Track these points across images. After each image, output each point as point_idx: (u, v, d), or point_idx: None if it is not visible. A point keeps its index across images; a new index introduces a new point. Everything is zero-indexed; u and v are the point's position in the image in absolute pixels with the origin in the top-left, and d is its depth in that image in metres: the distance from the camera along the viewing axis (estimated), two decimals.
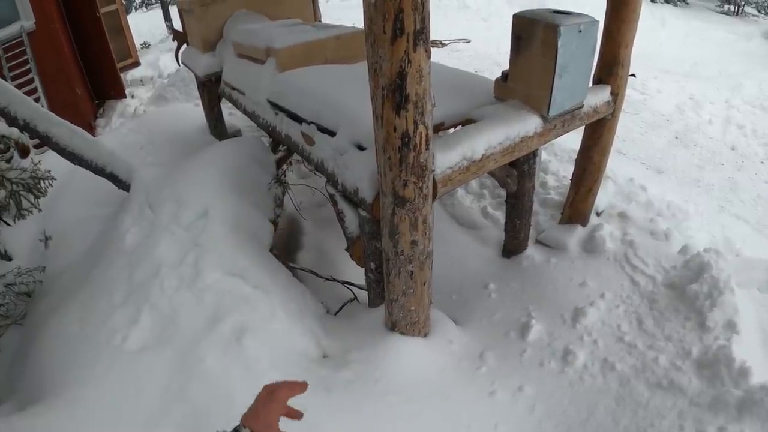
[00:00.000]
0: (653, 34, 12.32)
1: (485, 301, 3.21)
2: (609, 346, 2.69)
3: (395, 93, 1.79)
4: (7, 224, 3.80)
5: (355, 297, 3.06)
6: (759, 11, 20.78)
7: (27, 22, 6.23)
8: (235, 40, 4.12)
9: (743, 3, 20.77)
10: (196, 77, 4.99)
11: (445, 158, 2.12)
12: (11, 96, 3.31)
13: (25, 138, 3.51)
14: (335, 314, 2.88)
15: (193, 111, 6.17)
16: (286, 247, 3.57)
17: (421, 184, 1.98)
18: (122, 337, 2.25)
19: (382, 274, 2.45)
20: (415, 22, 1.69)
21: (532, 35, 2.35)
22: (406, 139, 1.87)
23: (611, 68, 2.95)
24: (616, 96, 3.01)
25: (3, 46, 5.98)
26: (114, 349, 2.20)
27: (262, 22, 4.39)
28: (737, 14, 20.54)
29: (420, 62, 1.76)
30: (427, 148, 1.93)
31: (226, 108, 5.35)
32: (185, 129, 5.64)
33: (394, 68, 1.75)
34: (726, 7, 21.17)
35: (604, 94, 2.94)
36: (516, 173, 3.11)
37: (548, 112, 2.43)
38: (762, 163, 6.00)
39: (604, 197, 3.92)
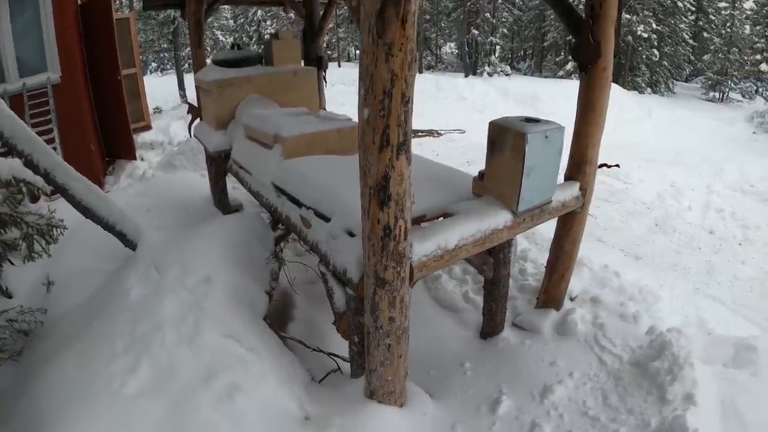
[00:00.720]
0: (640, 125, 13.10)
1: (460, 378, 3.44)
2: (574, 420, 2.93)
3: (380, 192, 2.17)
4: (12, 264, 4.05)
5: (339, 368, 3.30)
6: (743, 96, 22.05)
7: (53, 74, 6.73)
8: (246, 124, 4.56)
9: (728, 89, 22.04)
10: (206, 151, 5.40)
11: (422, 247, 2.47)
12: (35, 144, 3.63)
13: (47, 188, 3.79)
14: (320, 382, 3.12)
15: (199, 181, 6.57)
16: (278, 318, 3.84)
17: (399, 269, 2.32)
18: (121, 382, 2.49)
19: (364, 347, 2.72)
20: (398, 135, 2.09)
21: (504, 141, 2.77)
22: (388, 231, 2.22)
23: (580, 166, 3.37)
24: (585, 191, 3.41)
25: (28, 93, 6.45)
26: (112, 392, 2.44)
27: (271, 108, 4.85)
28: (722, 100, 21.73)
29: (401, 168, 2.14)
30: (405, 239, 2.28)
31: (230, 181, 5.76)
32: (191, 197, 6.00)
33: (380, 172, 2.13)
34: (711, 94, 22.43)
35: (573, 190, 3.33)
36: (492, 261, 3.44)
37: (517, 208, 2.81)
38: (740, 244, 6.35)
39: (578, 283, 4.25)
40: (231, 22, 35.81)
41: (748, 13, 26.14)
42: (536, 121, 2.84)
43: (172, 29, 19.48)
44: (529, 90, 15.70)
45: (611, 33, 3.07)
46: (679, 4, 29.57)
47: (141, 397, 2.46)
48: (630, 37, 25.13)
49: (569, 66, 28.39)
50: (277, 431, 2.45)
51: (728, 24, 27.21)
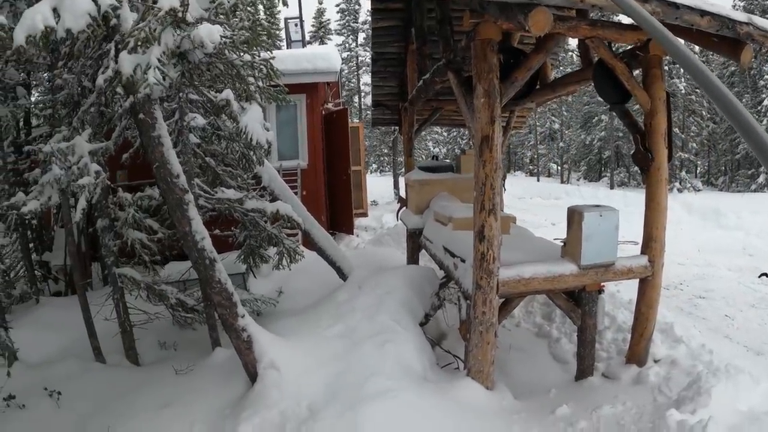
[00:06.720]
0: None
1: (544, 396, 5.09)
2: (608, 426, 4.41)
3: (480, 234, 4.39)
4: (255, 277, 7.08)
5: (458, 367, 5.33)
6: None
7: (302, 162, 10.62)
8: (435, 210, 7.12)
9: None
10: (407, 229, 8.12)
11: (506, 272, 4.54)
12: (293, 201, 6.77)
13: (302, 226, 6.67)
14: (442, 367, 5.21)
15: (399, 255, 9.37)
16: (430, 333, 6.06)
17: (489, 280, 4.42)
18: (323, 330, 5.01)
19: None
20: (489, 205, 4.34)
21: (573, 219, 4.74)
22: (483, 256, 4.39)
23: (648, 243, 5.00)
24: (653, 263, 4.98)
25: (283, 172, 10.12)
26: (317, 333, 5.00)
27: (454, 203, 7.33)
28: None
29: (491, 222, 4.35)
30: (494, 263, 4.40)
31: (423, 260, 8.30)
32: (389, 264, 8.64)
33: (479, 223, 4.37)
34: None
35: (641, 260, 4.96)
36: (580, 312, 5.18)
37: (580, 263, 4.68)
38: None
39: (669, 352, 5.56)
40: (444, 134, 41.89)
41: None
42: (599, 206, 4.75)
43: (392, 138, 24.33)
44: (713, 205, 16.18)
45: (661, 143, 4.72)
46: None
47: (334, 338, 4.95)
48: None
49: (761, 179, 26.63)
50: (403, 374, 4.59)
51: None
